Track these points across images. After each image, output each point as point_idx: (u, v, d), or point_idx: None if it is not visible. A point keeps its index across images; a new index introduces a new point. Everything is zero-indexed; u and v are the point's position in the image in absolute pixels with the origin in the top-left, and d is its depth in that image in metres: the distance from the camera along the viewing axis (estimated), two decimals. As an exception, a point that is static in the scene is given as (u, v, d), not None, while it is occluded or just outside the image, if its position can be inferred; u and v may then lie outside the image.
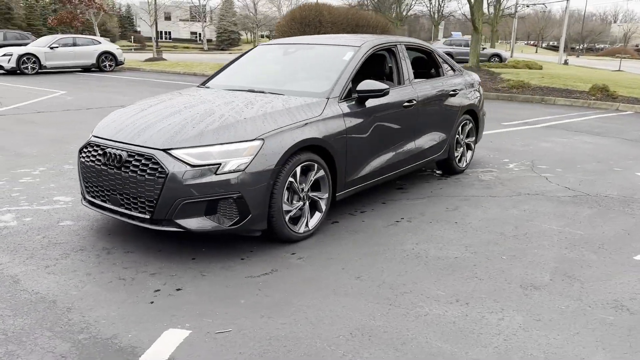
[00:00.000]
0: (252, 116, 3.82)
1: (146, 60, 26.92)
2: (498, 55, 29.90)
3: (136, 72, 22.07)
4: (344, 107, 4.28)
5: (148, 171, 3.52)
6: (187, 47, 59.25)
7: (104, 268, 3.51)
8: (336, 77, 4.40)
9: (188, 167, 3.46)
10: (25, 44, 21.80)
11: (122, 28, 67.02)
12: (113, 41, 58.91)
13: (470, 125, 6.11)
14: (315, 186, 4.11)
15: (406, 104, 4.90)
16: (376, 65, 5.11)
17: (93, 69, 21.20)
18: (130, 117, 4.08)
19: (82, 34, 28.27)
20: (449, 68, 5.98)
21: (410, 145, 5.09)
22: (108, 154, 3.74)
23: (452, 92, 5.65)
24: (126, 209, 3.69)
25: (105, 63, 21.18)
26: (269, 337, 2.73)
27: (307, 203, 4.02)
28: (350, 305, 3.06)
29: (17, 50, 18.81)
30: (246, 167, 3.53)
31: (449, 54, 28.13)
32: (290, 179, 3.80)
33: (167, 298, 3.12)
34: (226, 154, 3.54)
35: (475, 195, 5.27)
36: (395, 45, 5.13)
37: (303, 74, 4.76)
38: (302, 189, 3.95)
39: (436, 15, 57.36)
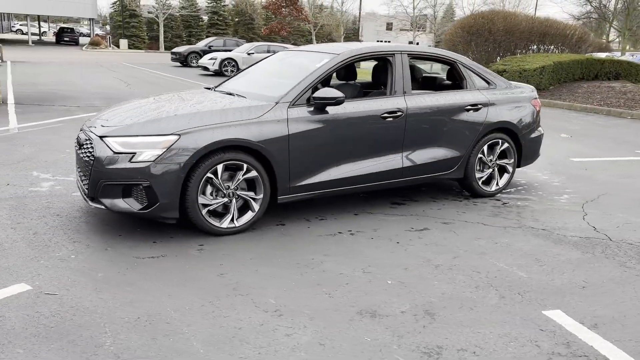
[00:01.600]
0: (183, 113, 4.17)
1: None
2: None
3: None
4: (295, 113, 4.34)
5: (87, 153, 4.13)
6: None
7: (51, 231, 4.21)
8: (295, 82, 4.49)
9: (111, 153, 3.96)
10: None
11: (346, 38, 71.30)
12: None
13: (506, 145, 5.48)
14: (252, 186, 4.28)
15: (386, 114, 4.71)
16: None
17: (284, 73, 23.31)
18: (114, 109, 4.76)
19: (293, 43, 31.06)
20: (483, 80, 5.46)
21: (395, 159, 4.85)
22: (78, 138, 4.46)
23: (470, 107, 5.18)
24: (83, 185, 4.35)
25: (294, 68, 23.11)
26: (70, 306, 3.05)
27: (235, 200, 4.21)
28: (178, 296, 3.23)
29: (221, 55, 21.70)
30: (156, 159, 3.90)
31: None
32: (210, 174, 4.05)
33: (55, 261, 3.67)
34: (145, 144, 3.96)
35: (466, 220, 4.79)
36: (393, 54, 4.93)
37: (278, 79, 4.91)
38: (228, 187, 4.16)
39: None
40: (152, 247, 3.98)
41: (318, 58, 4.83)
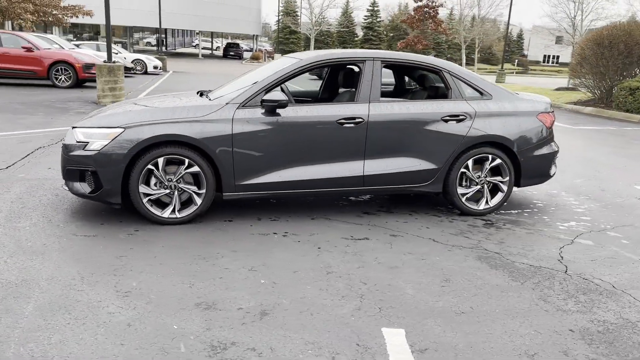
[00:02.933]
0: (137, 109, 4.58)
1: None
2: None
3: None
4: (243, 114, 4.50)
5: (62, 142, 4.73)
6: (560, 71, 56.88)
7: (36, 206, 4.85)
8: (250, 85, 4.65)
9: (74, 141, 4.50)
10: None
11: (508, 52, 68.16)
12: (495, 64, 60.68)
13: (498, 161, 5.02)
14: (197, 181, 4.53)
15: (343, 120, 4.64)
16: (336, 79, 5.03)
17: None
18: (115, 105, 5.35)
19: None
20: (474, 90, 5.08)
21: (356, 166, 4.74)
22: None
23: (449, 117, 4.85)
24: (65, 170, 4.96)
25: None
26: (-22, 264, 3.59)
27: (177, 193, 4.49)
28: (64, 269, 3.59)
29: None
30: (102, 148, 4.34)
31: None
32: (150, 166, 4.38)
33: (9, 229, 4.25)
34: (98, 135, 4.43)
35: (419, 235, 4.51)
36: (363, 61, 4.84)
37: (247, 82, 5.06)
38: (170, 179, 4.46)
39: None
40: (97, 227, 4.41)
41: (285, 63, 4.94)
